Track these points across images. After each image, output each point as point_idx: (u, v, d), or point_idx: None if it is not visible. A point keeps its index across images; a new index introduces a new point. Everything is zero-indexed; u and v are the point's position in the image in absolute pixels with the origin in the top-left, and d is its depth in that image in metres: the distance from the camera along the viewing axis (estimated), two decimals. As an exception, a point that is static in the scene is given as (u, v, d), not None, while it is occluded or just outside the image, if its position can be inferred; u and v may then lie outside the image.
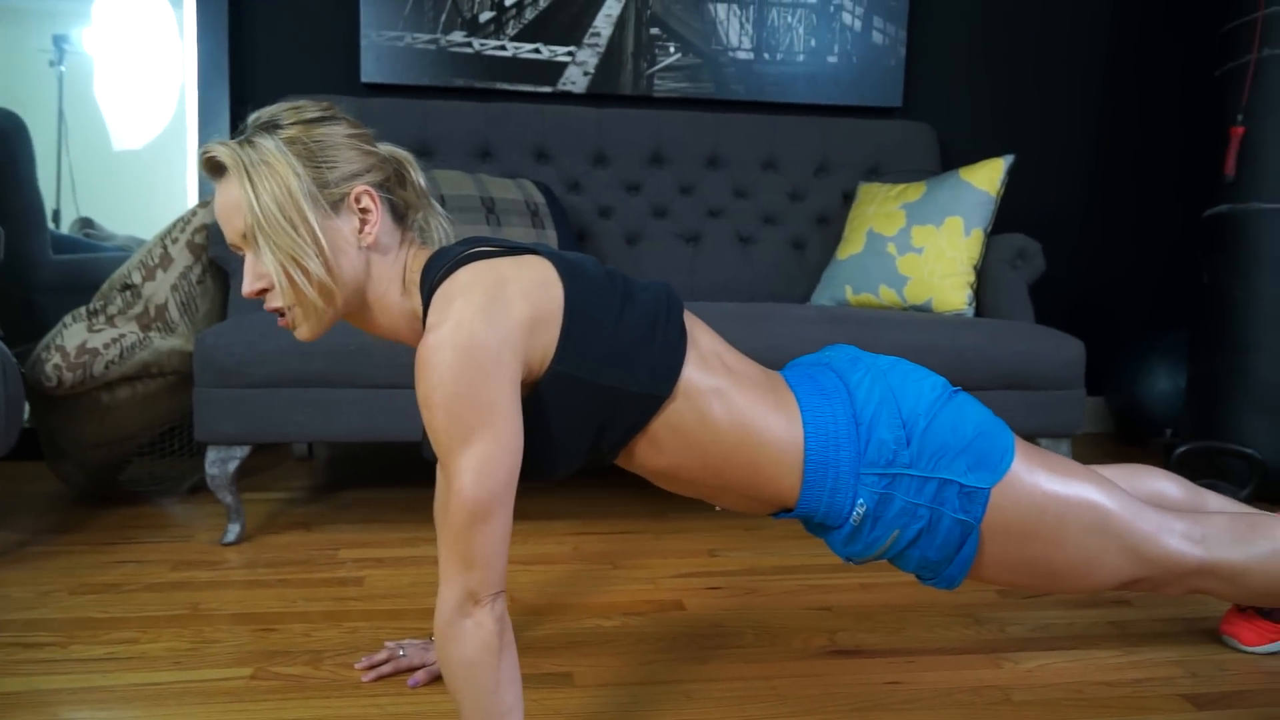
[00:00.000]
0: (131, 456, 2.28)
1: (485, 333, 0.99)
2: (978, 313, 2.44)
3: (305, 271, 1.05)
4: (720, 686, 1.37)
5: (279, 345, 1.92)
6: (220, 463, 1.95)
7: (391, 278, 1.11)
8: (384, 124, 2.55)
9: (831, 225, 2.79)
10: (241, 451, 1.96)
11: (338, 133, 1.08)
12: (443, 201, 2.27)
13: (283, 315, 1.09)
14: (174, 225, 2.21)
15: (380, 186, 1.11)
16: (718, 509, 1.21)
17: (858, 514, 1.13)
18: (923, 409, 1.13)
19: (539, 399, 1.06)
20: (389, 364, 1.94)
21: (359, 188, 1.08)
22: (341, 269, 1.07)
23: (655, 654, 1.48)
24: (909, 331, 2.11)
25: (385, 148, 1.14)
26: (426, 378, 0.98)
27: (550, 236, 2.38)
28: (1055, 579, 1.19)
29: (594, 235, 2.68)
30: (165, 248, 2.16)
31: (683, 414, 1.11)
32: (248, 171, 1.03)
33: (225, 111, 2.61)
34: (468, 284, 1.03)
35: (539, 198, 2.45)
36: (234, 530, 2.00)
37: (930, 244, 2.40)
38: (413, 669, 1.34)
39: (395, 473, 2.71)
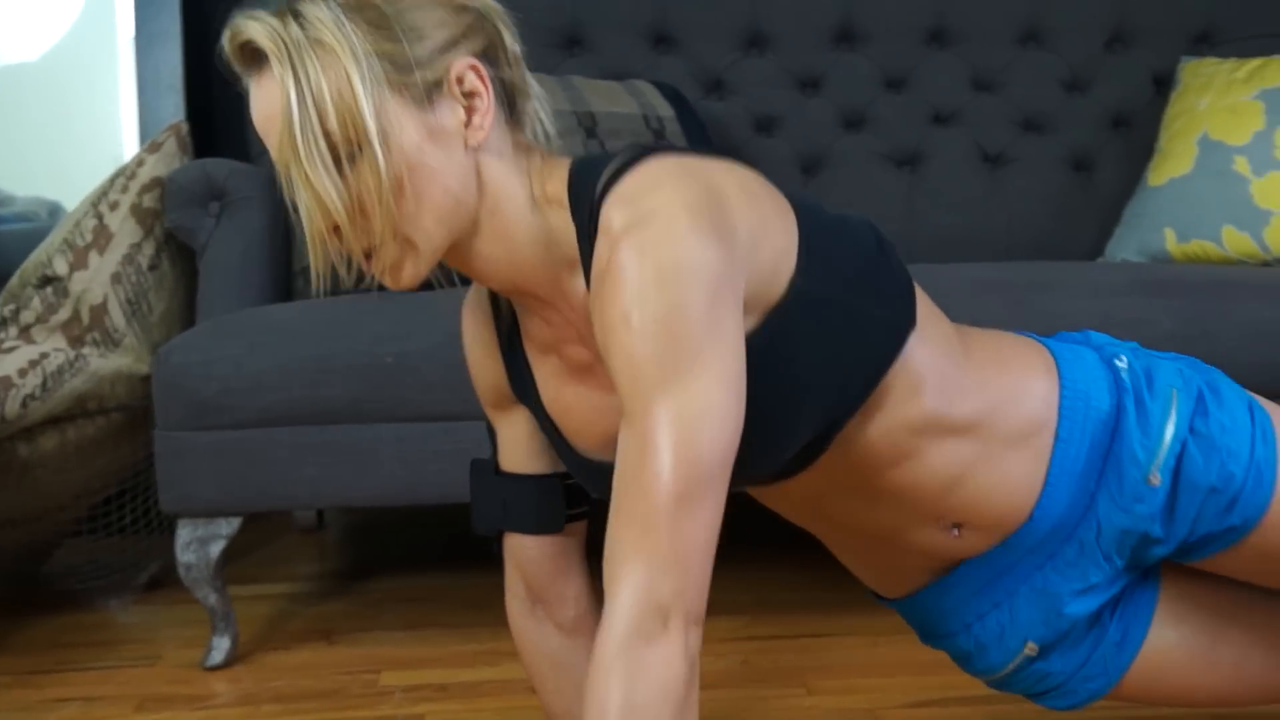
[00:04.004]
0: (62, 536, 2.41)
1: (711, 230, 1.08)
2: (1395, 265, 2.38)
3: (388, 196, 1.12)
4: None
5: (278, 361, 2.01)
6: (198, 545, 2.06)
7: (514, 186, 1.19)
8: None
9: (1136, 130, 2.77)
10: (229, 527, 2.06)
11: None
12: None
13: (368, 258, 1.16)
14: (110, 183, 2.32)
15: (484, 58, 1.17)
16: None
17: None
18: None
19: (767, 339, 1.15)
20: (444, 383, 2.01)
21: (460, 62, 1.15)
22: (445, 181, 1.15)
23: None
24: (1272, 295, 2.10)
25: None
26: (625, 286, 1.06)
27: (682, 170, 2.44)
28: None
29: (750, 160, 2.68)
30: (100, 218, 2.28)
31: (923, 348, 1.24)
32: (291, 61, 1.11)
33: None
34: (671, 172, 1.11)
35: (664, 108, 2.49)
36: (222, 646, 2.10)
37: (1310, 153, 2.36)
38: None
39: (447, 549, 2.79)
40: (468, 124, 1.15)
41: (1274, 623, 1.41)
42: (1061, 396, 1.30)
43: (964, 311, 2.05)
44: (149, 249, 2.30)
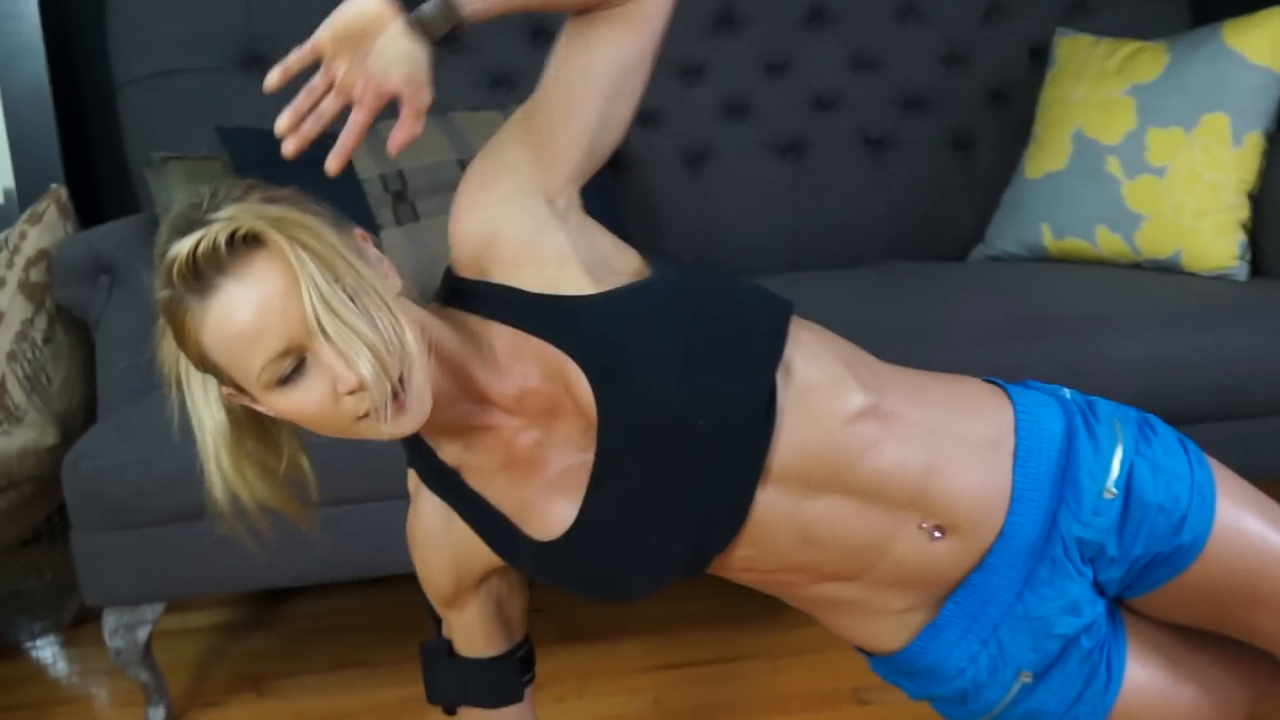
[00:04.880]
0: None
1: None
2: (1254, 268, 2.50)
3: (400, 319, 1.22)
4: None
5: (189, 460, 2.05)
6: (125, 631, 2.15)
7: (415, 308, 1.29)
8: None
9: (1013, 105, 2.84)
10: (154, 612, 2.15)
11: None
12: (402, 181, 2.35)
13: (396, 398, 1.21)
14: (-8, 255, 2.31)
15: None
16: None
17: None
18: None
19: (659, 283, 1.33)
20: (352, 470, 2.08)
21: (354, 228, 1.28)
22: (407, 312, 1.26)
23: None
24: (1137, 332, 2.21)
25: None
26: None
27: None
28: None
29: (636, 159, 2.76)
30: (-12, 294, 2.28)
31: (820, 336, 1.41)
32: (284, 231, 1.18)
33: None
34: None
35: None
36: (156, 717, 2.21)
37: (1177, 160, 2.45)
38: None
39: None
40: (386, 275, 1.26)
41: (1219, 664, 1.54)
42: (1016, 418, 1.41)
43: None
44: (41, 323, 2.30)
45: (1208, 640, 1.54)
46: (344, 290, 1.18)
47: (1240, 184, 2.43)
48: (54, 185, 2.39)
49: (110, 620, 2.15)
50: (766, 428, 1.31)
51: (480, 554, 1.43)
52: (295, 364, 1.19)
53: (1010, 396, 1.45)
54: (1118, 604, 1.50)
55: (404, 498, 1.99)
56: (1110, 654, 1.47)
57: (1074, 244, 2.55)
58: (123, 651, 2.16)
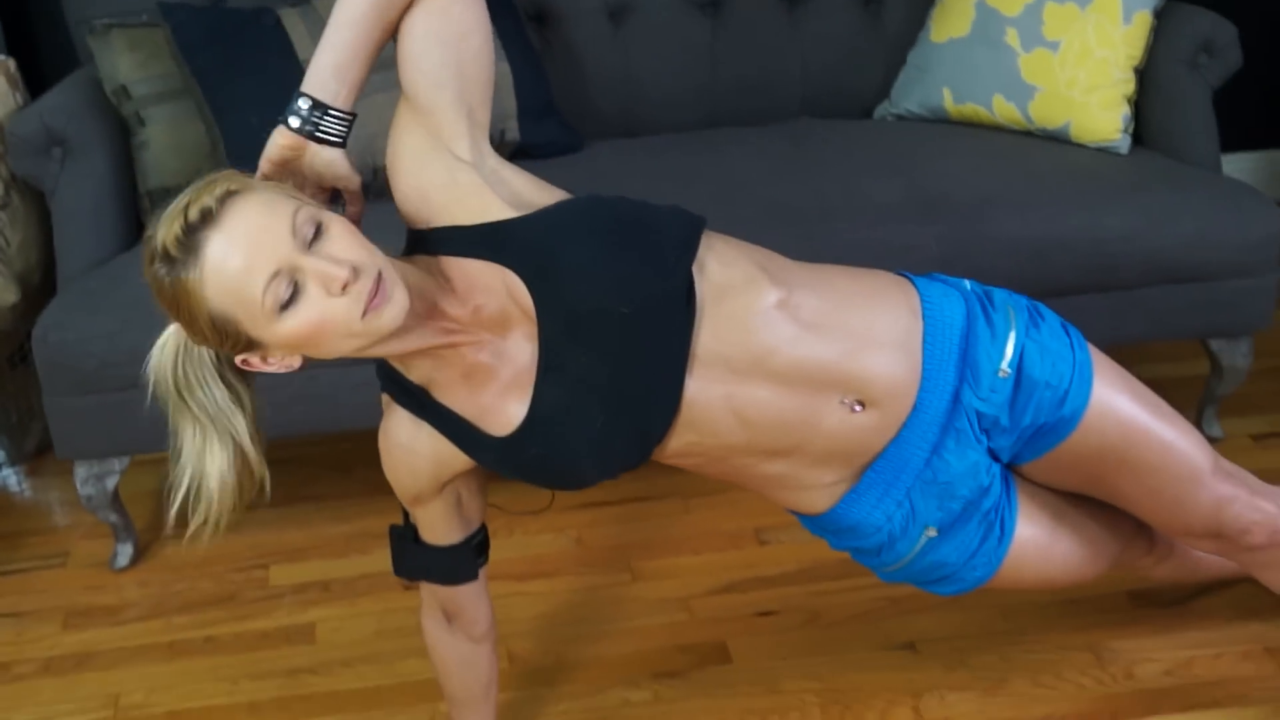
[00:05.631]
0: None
1: None
2: (1136, 138, 2.70)
3: (356, 233, 1.43)
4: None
5: (151, 334, 2.22)
6: (95, 480, 2.36)
7: None
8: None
9: (922, -40, 2.94)
10: (121, 464, 2.36)
11: None
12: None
13: (381, 288, 1.43)
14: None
15: None
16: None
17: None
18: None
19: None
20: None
21: None
22: None
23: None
24: (1021, 213, 2.42)
25: None
26: None
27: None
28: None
29: (558, 13, 2.86)
30: (-54, 161, 2.38)
31: (729, 241, 1.61)
32: (259, 182, 1.42)
33: None
34: None
35: None
36: (126, 551, 2.46)
37: (1071, 35, 2.62)
38: None
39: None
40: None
41: (1094, 521, 1.83)
42: (923, 306, 1.63)
43: (754, 241, 2.34)
44: (-2, 188, 2.43)
45: (1084, 502, 1.81)
46: (311, 215, 1.39)
47: (1128, 60, 2.61)
48: (1, 56, 2.47)
49: (81, 471, 2.36)
50: (688, 316, 1.53)
51: (440, 466, 1.65)
52: (290, 286, 1.37)
53: (917, 287, 1.66)
54: (1010, 471, 1.75)
55: (346, 365, 2.22)
56: (1004, 514, 1.73)
57: (972, 109, 2.74)
58: (93, 498, 2.38)
